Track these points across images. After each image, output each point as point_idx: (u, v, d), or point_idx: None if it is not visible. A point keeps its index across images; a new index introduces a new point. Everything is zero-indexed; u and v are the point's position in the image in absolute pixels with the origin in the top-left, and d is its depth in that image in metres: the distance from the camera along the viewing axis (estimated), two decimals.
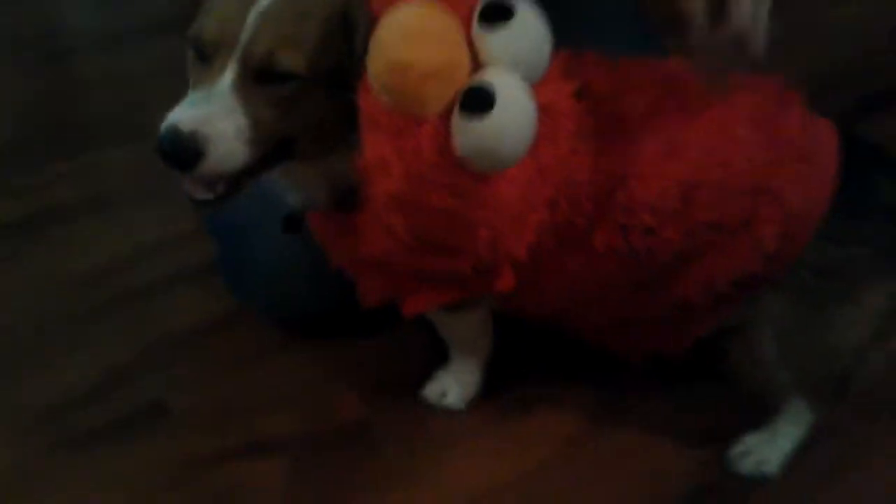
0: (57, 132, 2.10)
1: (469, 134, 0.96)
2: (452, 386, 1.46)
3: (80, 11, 2.63)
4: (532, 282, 1.20)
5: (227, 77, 0.97)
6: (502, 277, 1.16)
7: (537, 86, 1.01)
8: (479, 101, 0.95)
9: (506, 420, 1.47)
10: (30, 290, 1.70)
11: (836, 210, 1.15)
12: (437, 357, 1.50)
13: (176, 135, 0.94)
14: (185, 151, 0.95)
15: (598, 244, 1.16)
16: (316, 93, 1.02)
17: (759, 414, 1.41)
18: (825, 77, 2.28)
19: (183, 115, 0.95)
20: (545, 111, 1.03)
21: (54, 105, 2.21)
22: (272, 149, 1.03)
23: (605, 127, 1.13)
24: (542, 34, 0.98)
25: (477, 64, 0.97)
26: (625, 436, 1.45)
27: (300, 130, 1.05)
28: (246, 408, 1.48)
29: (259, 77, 0.99)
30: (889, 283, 1.19)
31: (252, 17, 0.98)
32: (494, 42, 0.97)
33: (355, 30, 1.01)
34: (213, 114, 0.96)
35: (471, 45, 0.98)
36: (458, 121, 0.96)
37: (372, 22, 0.99)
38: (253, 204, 1.21)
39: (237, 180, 1.02)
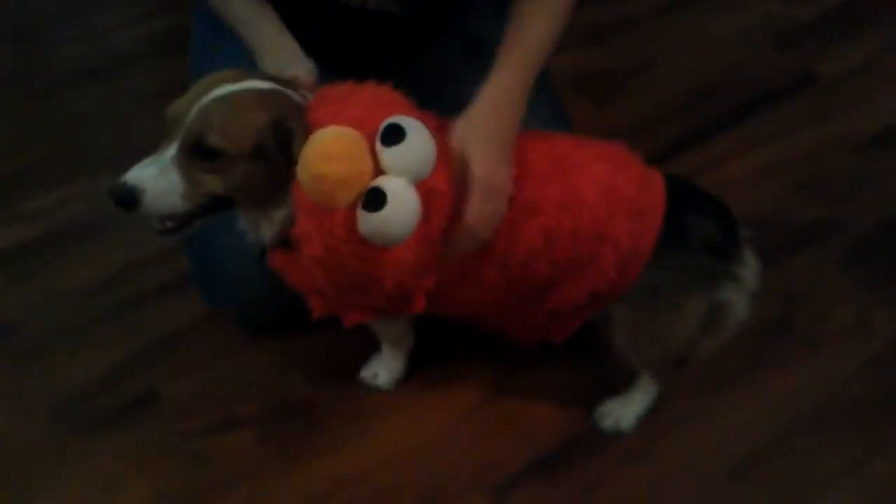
0: (51, 162, 2.17)
1: (368, 222, 1.16)
2: (382, 371, 1.67)
3: (60, 46, 2.56)
4: (440, 301, 1.38)
5: (172, 148, 1.18)
6: (415, 303, 1.35)
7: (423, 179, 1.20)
8: (374, 200, 1.15)
9: (422, 394, 1.69)
10: (41, 301, 1.84)
11: (662, 243, 1.37)
12: (370, 348, 1.69)
13: (119, 187, 1.16)
14: (122, 199, 1.17)
15: (487, 276, 1.37)
16: (244, 166, 1.21)
17: (619, 384, 1.64)
18: (705, 85, 2.46)
19: (130, 173, 1.17)
20: (428, 194, 1.21)
21: (48, 136, 2.26)
22: (211, 200, 1.23)
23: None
24: (428, 148, 1.18)
25: (378, 170, 1.17)
26: (515, 402, 1.68)
27: (232, 191, 1.23)
28: (221, 392, 1.67)
29: (194, 150, 1.18)
30: (706, 294, 1.42)
31: (196, 107, 1.18)
32: (390, 156, 1.17)
33: (290, 137, 1.19)
34: (152, 174, 1.17)
35: (374, 154, 1.17)
36: (360, 212, 1.16)
37: (306, 131, 1.19)
38: (221, 232, 1.43)
39: (184, 219, 1.23)
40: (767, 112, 2.38)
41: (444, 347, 1.75)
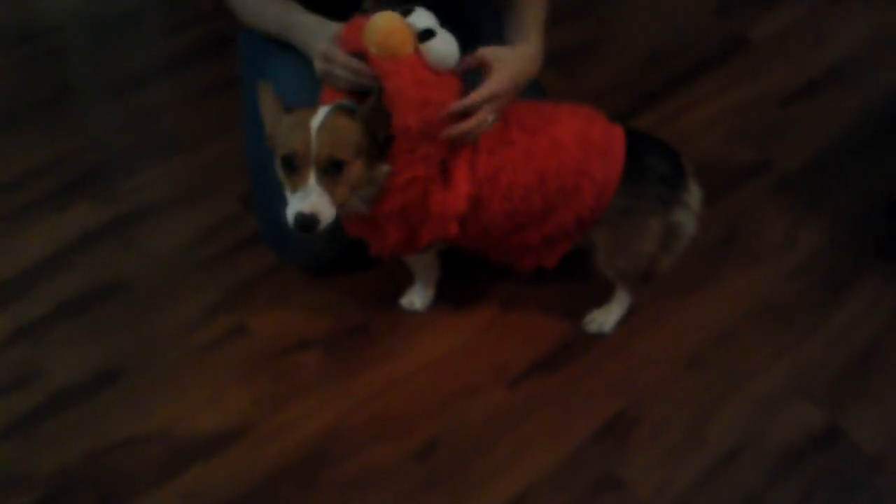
0: (136, 148, 2.24)
1: (430, 49, 1.40)
2: (417, 298, 1.84)
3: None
4: (463, 231, 1.54)
5: (312, 177, 1.35)
6: (451, 227, 1.53)
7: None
8: (427, 34, 1.40)
9: (449, 314, 1.86)
10: (145, 262, 1.95)
11: (626, 178, 1.53)
12: (406, 280, 1.84)
13: (303, 216, 1.34)
14: (309, 225, 1.34)
15: (494, 208, 1.52)
16: (358, 164, 1.38)
17: (601, 297, 1.83)
18: (657, 53, 2.56)
19: (302, 204, 1.34)
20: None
21: (130, 127, 2.31)
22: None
23: (491, 141, 1.50)
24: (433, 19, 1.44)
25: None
26: (521, 315, 1.86)
27: (358, 184, 1.41)
28: (294, 322, 1.83)
29: (326, 171, 1.35)
30: (663, 216, 1.58)
31: (313, 139, 1.34)
32: (418, 18, 1.42)
33: (376, 128, 1.39)
34: (314, 199, 1.34)
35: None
36: (422, 46, 1.40)
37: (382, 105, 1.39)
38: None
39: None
40: (707, 74, 2.51)
41: (463, 277, 1.89)
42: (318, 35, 1.51)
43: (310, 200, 1.35)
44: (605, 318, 1.81)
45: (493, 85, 1.45)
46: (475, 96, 1.44)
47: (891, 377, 1.79)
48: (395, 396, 1.73)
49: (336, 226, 1.43)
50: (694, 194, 1.62)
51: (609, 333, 1.82)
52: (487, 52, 1.48)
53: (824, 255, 2.03)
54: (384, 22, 1.40)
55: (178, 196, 2.12)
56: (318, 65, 1.49)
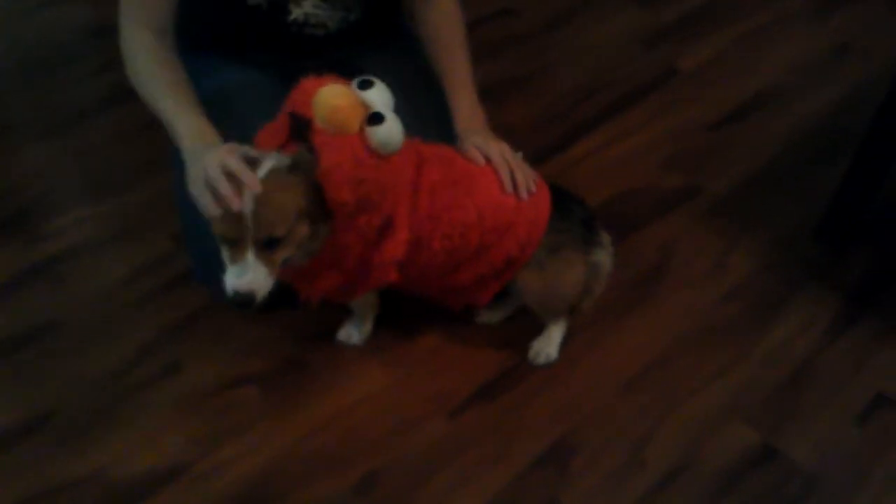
0: (63, 189, 2.23)
1: (376, 134, 1.37)
2: (355, 332, 1.83)
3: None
4: (401, 271, 1.55)
5: (249, 253, 1.32)
6: (391, 274, 1.55)
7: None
8: (376, 118, 1.37)
9: (387, 346, 1.86)
10: (73, 302, 1.93)
11: (553, 217, 1.62)
12: (343, 314, 1.84)
13: (238, 293, 1.33)
14: (245, 302, 1.33)
15: (435, 245, 1.54)
16: (299, 231, 1.37)
17: (537, 324, 1.83)
18: (585, 87, 2.61)
19: (238, 282, 1.32)
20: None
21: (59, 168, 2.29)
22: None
23: (434, 182, 1.53)
24: (387, 90, 1.42)
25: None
26: (459, 347, 1.87)
27: (296, 249, 1.39)
28: (230, 359, 1.82)
29: (265, 246, 1.33)
30: (587, 255, 1.68)
31: (249, 220, 1.29)
32: (370, 95, 1.39)
33: (319, 190, 1.34)
34: (250, 276, 1.33)
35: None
36: (368, 129, 1.37)
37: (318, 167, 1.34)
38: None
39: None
40: (637, 104, 2.56)
41: (400, 308, 1.89)
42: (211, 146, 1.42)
43: (246, 278, 1.34)
44: (547, 347, 1.83)
45: (495, 157, 1.60)
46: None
47: (823, 396, 1.81)
48: (336, 431, 1.72)
49: None
50: (605, 236, 1.72)
51: (556, 359, 1.83)
52: (471, 149, 1.62)
53: (756, 278, 2.05)
54: (334, 98, 1.36)
55: (110, 235, 2.10)
56: (212, 170, 1.33)
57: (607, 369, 1.85)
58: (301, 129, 1.40)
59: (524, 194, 1.58)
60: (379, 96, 1.41)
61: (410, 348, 1.87)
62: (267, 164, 1.34)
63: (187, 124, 1.47)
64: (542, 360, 1.81)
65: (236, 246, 1.33)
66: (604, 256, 1.71)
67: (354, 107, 1.37)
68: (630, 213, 2.20)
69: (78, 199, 2.18)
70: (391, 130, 1.39)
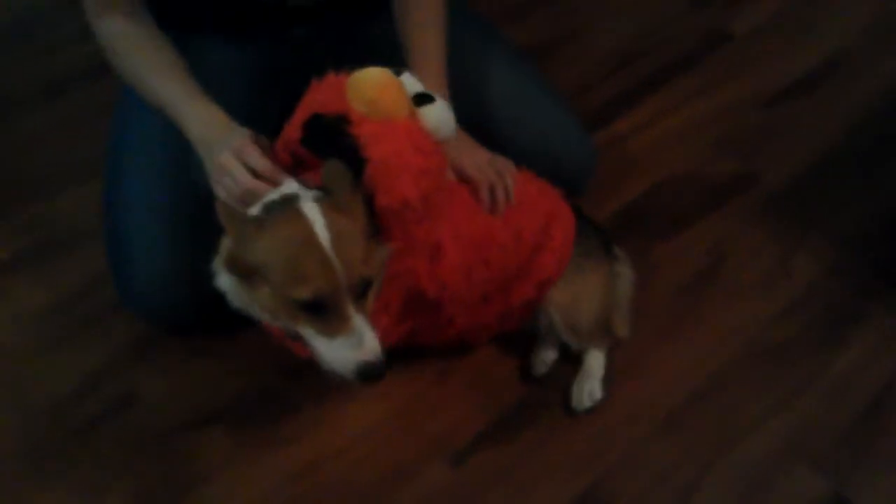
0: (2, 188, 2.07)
1: (429, 114, 1.27)
2: None
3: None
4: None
5: (355, 317, 1.14)
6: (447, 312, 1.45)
7: None
8: (424, 98, 1.27)
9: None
10: (9, 321, 1.79)
11: (578, 237, 1.55)
12: None
13: (371, 366, 1.15)
14: (381, 369, 1.16)
15: (477, 275, 1.43)
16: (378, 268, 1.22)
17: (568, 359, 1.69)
18: (627, 51, 2.44)
19: (361, 355, 1.14)
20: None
21: None
22: None
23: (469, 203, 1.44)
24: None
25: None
26: (465, 377, 1.71)
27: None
28: (194, 390, 1.66)
29: (360, 294, 1.17)
30: (609, 268, 1.63)
31: (337, 265, 1.11)
32: (412, 82, 1.29)
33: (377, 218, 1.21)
34: (372, 342, 1.15)
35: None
36: (420, 110, 1.27)
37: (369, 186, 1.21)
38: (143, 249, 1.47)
39: None
40: (682, 75, 2.38)
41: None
42: (227, 135, 1.32)
43: (368, 346, 1.15)
44: (591, 385, 1.66)
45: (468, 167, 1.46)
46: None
47: None
48: (318, 479, 1.56)
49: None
50: (620, 252, 1.70)
51: (603, 397, 1.65)
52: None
53: (822, 286, 1.86)
54: (378, 77, 1.23)
55: (55, 241, 1.95)
56: (227, 160, 1.26)
57: (643, 403, 1.67)
58: (330, 131, 1.23)
59: (501, 213, 1.45)
60: (413, 83, 1.30)
61: (408, 378, 1.69)
62: (317, 204, 1.18)
63: (192, 112, 1.38)
64: (586, 402, 1.64)
65: (332, 313, 1.15)
66: (625, 269, 1.68)
67: (401, 87, 1.26)
68: (674, 207, 2.01)
69: (22, 202, 2.04)
70: (444, 110, 1.30)
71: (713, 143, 2.18)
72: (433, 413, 1.65)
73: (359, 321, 1.15)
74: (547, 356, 1.69)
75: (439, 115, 1.29)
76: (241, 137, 1.29)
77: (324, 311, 1.15)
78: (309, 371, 1.56)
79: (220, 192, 1.27)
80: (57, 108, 2.28)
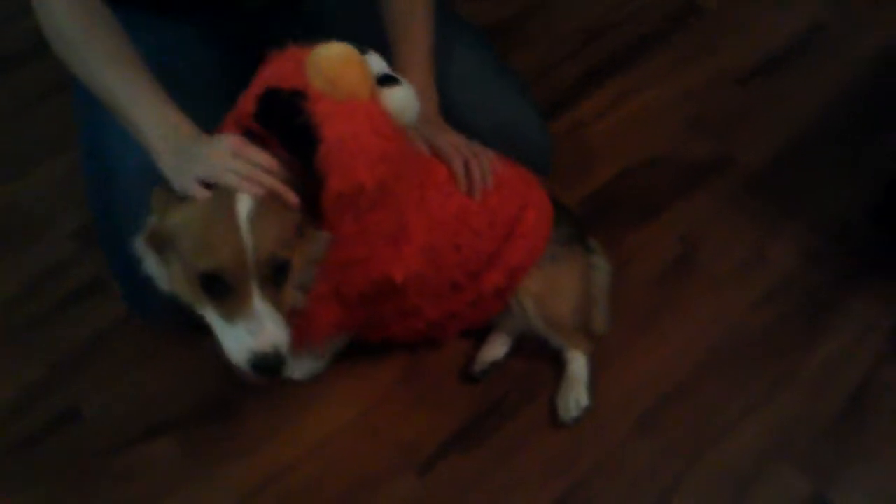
0: None
1: (392, 96, 1.21)
2: (298, 367, 1.58)
3: None
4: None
5: (256, 299, 1.08)
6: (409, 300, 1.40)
7: None
8: (390, 79, 1.21)
9: (336, 382, 1.63)
10: None
11: (554, 226, 1.51)
12: None
13: (265, 356, 1.08)
14: (276, 363, 1.09)
15: (447, 258, 1.38)
16: (300, 249, 1.16)
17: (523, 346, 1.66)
18: (593, 28, 2.37)
19: (254, 342, 1.07)
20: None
21: None
22: None
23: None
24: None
25: None
26: (426, 381, 1.65)
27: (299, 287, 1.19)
28: (140, 401, 1.60)
29: (270, 278, 1.10)
30: (585, 255, 1.60)
31: (246, 240, 1.06)
32: (375, 62, 1.23)
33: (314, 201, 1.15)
34: (271, 330, 1.08)
35: None
36: (383, 91, 1.21)
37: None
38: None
39: None
40: (652, 51, 2.31)
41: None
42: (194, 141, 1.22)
43: (265, 333, 1.08)
44: (577, 393, 1.59)
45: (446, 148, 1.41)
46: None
47: (890, 427, 1.59)
48: (277, 494, 1.50)
49: None
50: (595, 243, 1.67)
51: (590, 404, 1.59)
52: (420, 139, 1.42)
53: (801, 274, 1.80)
54: (341, 53, 1.18)
55: None
56: (228, 160, 1.15)
57: (618, 402, 1.62)
58: (285, 107, 1.17)
59: (478, 194, 1.39)
60: (378, 64, 1.25)
61: (367, 383, 1.64)
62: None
63: (149, 112, 1.23)
64: (573, 412, 1.57)
65: (233, 292, 1.09)
66: (601, 261, 1.65)
67: (365, 65, 1.20)
68: (646, 193, 1.95)
69: None
70: (409, 94, 1.24)
71: (686, 123, 2.12)
72: (393, 421, 1.60)
73: (262, 306, 1.09)
74: (487, 354, 1.64)
75: (404, 99, 1.23)
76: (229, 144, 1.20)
77: (226, 291, 1.09)
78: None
79: (231, 178, 1.15)
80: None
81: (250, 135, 1.19)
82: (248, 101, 1.21)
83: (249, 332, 1.08)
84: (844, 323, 1.74)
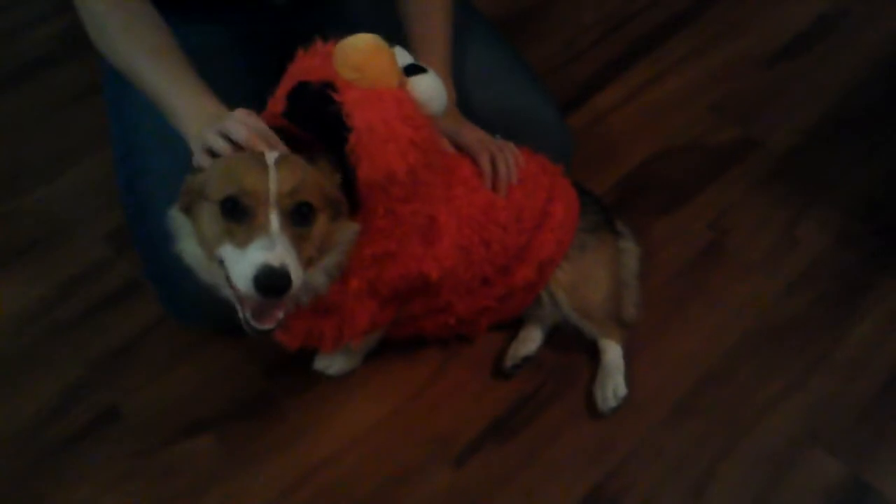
0: None
1: (419, 84, 1.21)
2: (336, 362, 1.59)
3: None
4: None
5: (274, 223, 1.05)
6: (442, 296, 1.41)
7: None
8: (417, 68, 1.21)
9: (374, 376, 1.63)
10: None
11: (581, 214, 1.52)
12: None
13: (272, 270, 1.02)
14: (281, 281, 1.02)
15: (476, 254, 1.38)
16: (323, 219, 1.13)
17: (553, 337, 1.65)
18: (612, 14, 2.35)
19: (265, 255, 1.02)
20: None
21: None
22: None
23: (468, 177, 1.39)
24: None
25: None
26: (462, 373, 1.64)
27: (321, 251, 1.16)
28: (180, 398, 1.60)
29: (292, 217, 1.08)
30: (613, 244, 1.58)
31: (272, 174, 1.06)
32: (403, 56, 1.24)
33: (354, 165, 1.14)
34: (283, 252, 1.04)
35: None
36: (410, 80, 1.20)
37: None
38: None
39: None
40: (679, 33, 2.30)
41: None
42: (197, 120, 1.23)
43: (276, 251, 1.04)
44: (614, 383, 1.58)
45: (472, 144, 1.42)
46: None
47: None
48: (315, 488, 1.50)
49: None
50: (623, 226, 1.67)
51: (627, 393, 1.57)
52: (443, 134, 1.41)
53: (831, 257, 1.80)
54: (368, 42, 1.16)
55: (30, 240, 1.86)
56: (237, 125, 1.16)
57: (651, 389, 1.61)
58: (315, 98, 1.17)
59: (504, 191, 1.39)
60: (404, 56, 1.25)
61: (401, 378, 1.63)
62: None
63: (189, 102, 1.25)
64: (613, 403, 1.56)
65: (251, 217, 1.07)
66: (630, 244, 1.65)
67: (391, 54, 1.19)
68: (674, 178, 1.94)
69: None
70: (436, 82, 1.23)
71: (711, 108, 2.10)
72: (428, 416, 1.59)
73: (278, 233, 1.06)
74: (519, 349, 1.63)
75: (431, 87, 1.22)
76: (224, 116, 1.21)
77: (245, 215, 1.07)
78: (297, 373, 1.61)
79: (241, 130, 1.15)
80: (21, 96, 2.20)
81: (284, 135, 1.19)
82: (277, 101, 1.21)
83: (261, 248, 1.04)
84: (877, 303, 1.73)
